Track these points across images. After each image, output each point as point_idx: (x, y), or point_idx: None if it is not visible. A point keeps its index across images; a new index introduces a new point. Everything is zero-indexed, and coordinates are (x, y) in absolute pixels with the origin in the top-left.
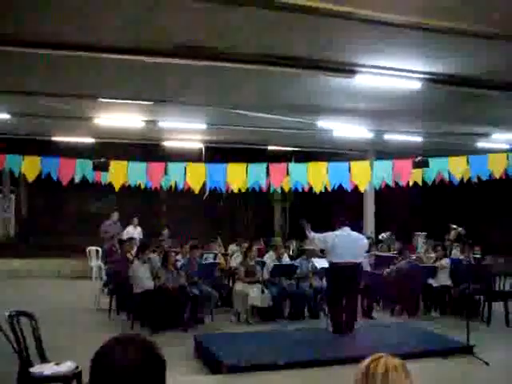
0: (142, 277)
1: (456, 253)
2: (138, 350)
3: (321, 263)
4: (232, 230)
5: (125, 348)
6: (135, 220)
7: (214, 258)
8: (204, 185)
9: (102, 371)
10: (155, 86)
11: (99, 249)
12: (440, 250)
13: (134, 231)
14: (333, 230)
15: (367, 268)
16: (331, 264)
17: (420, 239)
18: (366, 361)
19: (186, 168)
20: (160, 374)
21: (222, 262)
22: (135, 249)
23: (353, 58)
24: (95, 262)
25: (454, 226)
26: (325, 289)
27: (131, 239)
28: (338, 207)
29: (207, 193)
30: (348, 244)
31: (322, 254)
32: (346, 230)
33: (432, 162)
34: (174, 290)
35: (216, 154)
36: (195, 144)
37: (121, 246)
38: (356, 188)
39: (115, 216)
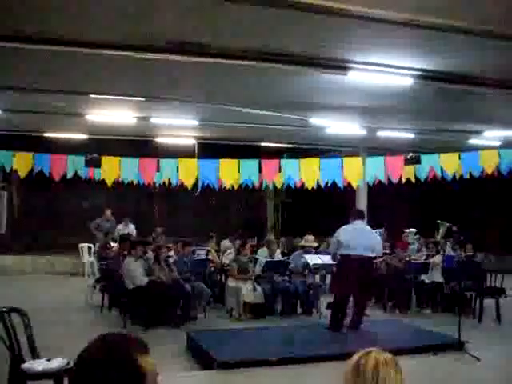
0: (135, 273)
1: (449, 250)
2: (103, 350)
3: (313, 260)
4: (224, 227)
5: (101, 351)
6: (126, 219)
7: (207, 255)
8: (196, 181)
9: (80, 374)
10: (147, 82)
11: (91, 245)
12: (433, 247)
13: (124, 229)
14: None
15: None
16: (341, 257)
17: (410, 236)
18: (356, 355)
19: (178, 164)
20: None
21: (214, 259)
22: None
23: (345, 55)
24: (87, 259)
25: (440, 222)
26: (318, 285)
27: (129, 236)
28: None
29: (199, 189)
30: (358, 237)
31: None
32: (358, 224)
33: (424, 158)
34: (167, 284)
35: (209, 150)
36: (188, 140)
37: (121, 243)
38: (349, 184)
39: (108, 213)
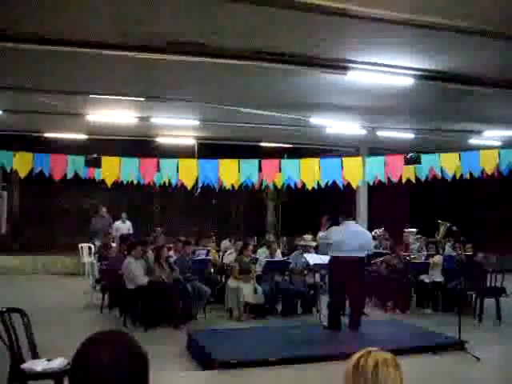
0: (135, 273)
1: (449, 250)
2: (114, 348)
3: (313, 259)
4: (224, 227)
5: (101, 347)
6: (123, 215)
7: (207, 255)
8: (196, 181)
9: (79, 372)
10: (147, 82)
11: (92, 246)
12: (433, 246)
13: (122, 226)
14: (337, 224)
15: None
16: (333, 258)
17: (411, 236)
18: (356, 355)
19: (178, 164)
20: (138, 373)
21: (214, 258)
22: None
23: (345, 55)
24: (87, 259)
25: (441, 221)
26: (318, 284)
27: (129, 236)
28: (334, 203)
29: (199, 190)
30: (350, 238)
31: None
32: (350, 224)
33: (424, 158)
34: (167, 284)
35: (209, 150)
36: (188, 140)
37: (121, 242)
38: (349, 184)
39: (103, 210)
